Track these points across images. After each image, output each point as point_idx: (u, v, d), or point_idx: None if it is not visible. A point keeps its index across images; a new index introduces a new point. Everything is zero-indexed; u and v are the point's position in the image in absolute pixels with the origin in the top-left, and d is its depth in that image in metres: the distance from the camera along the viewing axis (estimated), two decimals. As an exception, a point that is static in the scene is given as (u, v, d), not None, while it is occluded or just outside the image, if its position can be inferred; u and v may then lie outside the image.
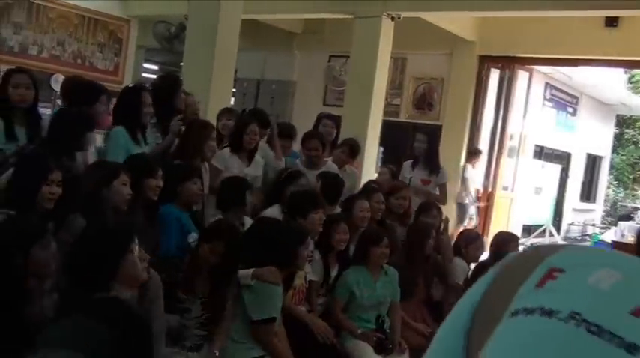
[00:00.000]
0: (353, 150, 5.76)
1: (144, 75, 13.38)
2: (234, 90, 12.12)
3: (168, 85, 4.56)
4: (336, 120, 5.93)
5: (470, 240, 5.07)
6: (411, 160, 6.07)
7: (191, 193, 3.91)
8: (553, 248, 0.79)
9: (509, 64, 9.94)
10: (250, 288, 3.38)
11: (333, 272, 4.27)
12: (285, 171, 4.73)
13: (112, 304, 2.24)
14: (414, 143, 6.00)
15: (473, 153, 9.69)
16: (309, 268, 4.12)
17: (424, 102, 10.34)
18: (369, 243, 4.22)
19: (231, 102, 11.81)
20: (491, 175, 10.06)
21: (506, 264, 0.82)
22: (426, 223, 4.90)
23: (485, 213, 9.95)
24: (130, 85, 4.66)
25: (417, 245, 4.56)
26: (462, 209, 9.39)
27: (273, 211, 4.19)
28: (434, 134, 6.19)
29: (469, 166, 9.63)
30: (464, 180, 9.48)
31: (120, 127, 4.05)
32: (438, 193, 6.06)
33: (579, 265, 0.75)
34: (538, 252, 0.79)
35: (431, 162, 5.95)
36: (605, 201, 16.89)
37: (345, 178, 5.51)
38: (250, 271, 3.40)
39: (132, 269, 2.49)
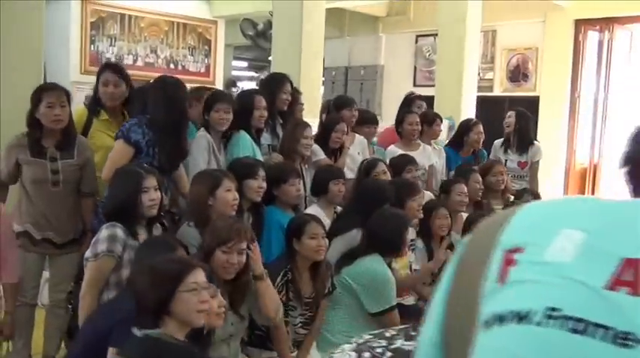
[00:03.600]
0: (441, 119, 5.67)
1: (233, 73, 13.66)
2: (322, 79, 12.16)
3: (268, 86, 4.59)
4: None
5: None
6: (501, 139, 5.82)
7: (289, 195, 3.88)
8: (500, 219, 0.71)
9: (607, 25, 9.40)
10: (360, 281, 3.38)
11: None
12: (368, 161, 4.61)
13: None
14: (504, 124, 5.78)
15: None
16: (413, 257, 4.06)
17: (519, 73, 9.97)
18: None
19: (321, 92, 11.91)
20: (596, 144, 9.59)
21: (463, 256, 0.76)
22: (486, 206, 4.71)
23: (592, 186, 9.51)
24: (245, 90, 4.70)
25: None
26: None
27: (315, 210, 4.01)
28: (523, 112, 5.87)
29: None
30: None
31: (243, 132, 4.07)
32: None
33: (535, 236, 0.66)
34: (488, 232, 0.71)
35: (522, 141, 5.71)
36: None
37: (436, 155, 5.40)
38: None
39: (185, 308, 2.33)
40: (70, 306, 3.64)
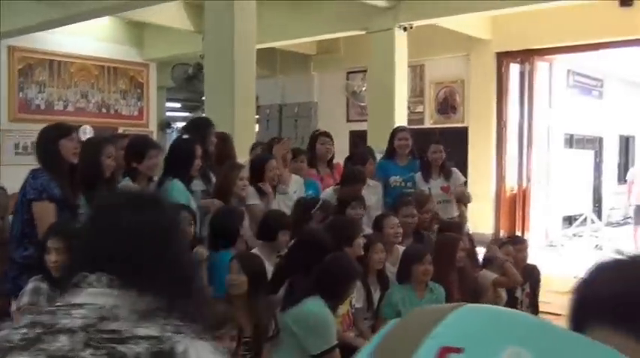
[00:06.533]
0: (374, 156, 5.77)
1: (167, 114, 13.62)
2: (257, 117, 12.25)
3: (197, 131, 4.61)
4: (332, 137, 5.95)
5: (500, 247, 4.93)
6: (419, 173, 5.95)
7: (245, 237, 3.95)
8: (436, 312, 0.68)
9: (527, 57, 9.87)
10: (300, 324, 3.40)
11: (376, 295, 4.27)
12: (305, 200, 4.68)
13: None
14: (431, 154, 5.88)
15: None
16: (354, 293, 4.12)
17: (447, 106, 10.32)
18: (411, 261, 4.22)
19: (255, 130, 11.99)
20: (523, 170, 9.97)
21: (386, 335, 0.70)
22: (453, 236, 4.80)
23: (522, 210, 9.85)
24: (183, 137, 4.70)
25: (446, 259, 4.46)
26: None
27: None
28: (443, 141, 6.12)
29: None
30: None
31: (176, 180, 4.05)
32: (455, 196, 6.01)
33: (477, 341, 0.63)
34: (421, 320, 0.68)
35: (443, 168, 5.89)
36: (645, 179, 16.54)
37: (370, 193, 5.50)
38: None
39: None
40: None
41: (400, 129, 6.17)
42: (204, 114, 6.53)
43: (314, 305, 3.42)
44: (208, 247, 3.89)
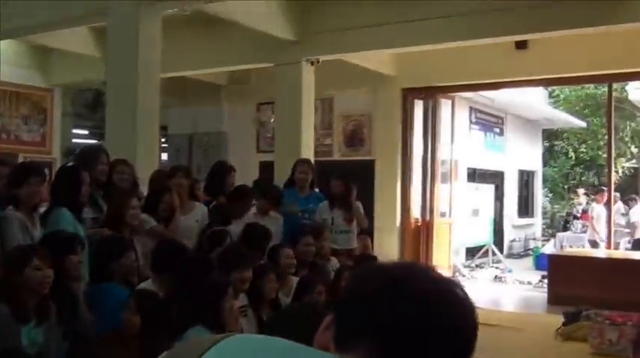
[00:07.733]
0: (277, 199, 5.80)
1: (75, 141, 13.28)
2: (166, 146, 12.13)
3: (84, 159, 4.54)
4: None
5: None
6: (326, 202, 6.12)
7: (126, 269, 3.83)
8: (213, 340, 0.77)
9: (431, 94, 10.24)
10: None
11: (268, 324, 4.29)
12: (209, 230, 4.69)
13: None
14: (332, 189, 6.08)
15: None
16: (245, 323, 4.13)
17: (355, 139, 10.54)
18: (303, 291, 4.27)
19: (164, 158, 11.86)
20: (427, 203, 10.25)
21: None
22: (321, 268, 4.92)
23: (426, 242, 10.11)
24: (68, 165, 4.57)
25: (339, 289, 4.51)
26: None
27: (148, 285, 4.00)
28: (346, 176, 6.29)
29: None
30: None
31: (64, 209, 3.94)
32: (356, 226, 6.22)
33: None
34: (196, 346, 0.78)
35: (347, 201, 6.06)
36: (545, 213, 17.36)
37: (270, 224, 5.55)
38: None
39: None
40: None
41: (300, 161, 6.33)
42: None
43: (194, 335, 3.38)
44: (91, 278, 3.80)
